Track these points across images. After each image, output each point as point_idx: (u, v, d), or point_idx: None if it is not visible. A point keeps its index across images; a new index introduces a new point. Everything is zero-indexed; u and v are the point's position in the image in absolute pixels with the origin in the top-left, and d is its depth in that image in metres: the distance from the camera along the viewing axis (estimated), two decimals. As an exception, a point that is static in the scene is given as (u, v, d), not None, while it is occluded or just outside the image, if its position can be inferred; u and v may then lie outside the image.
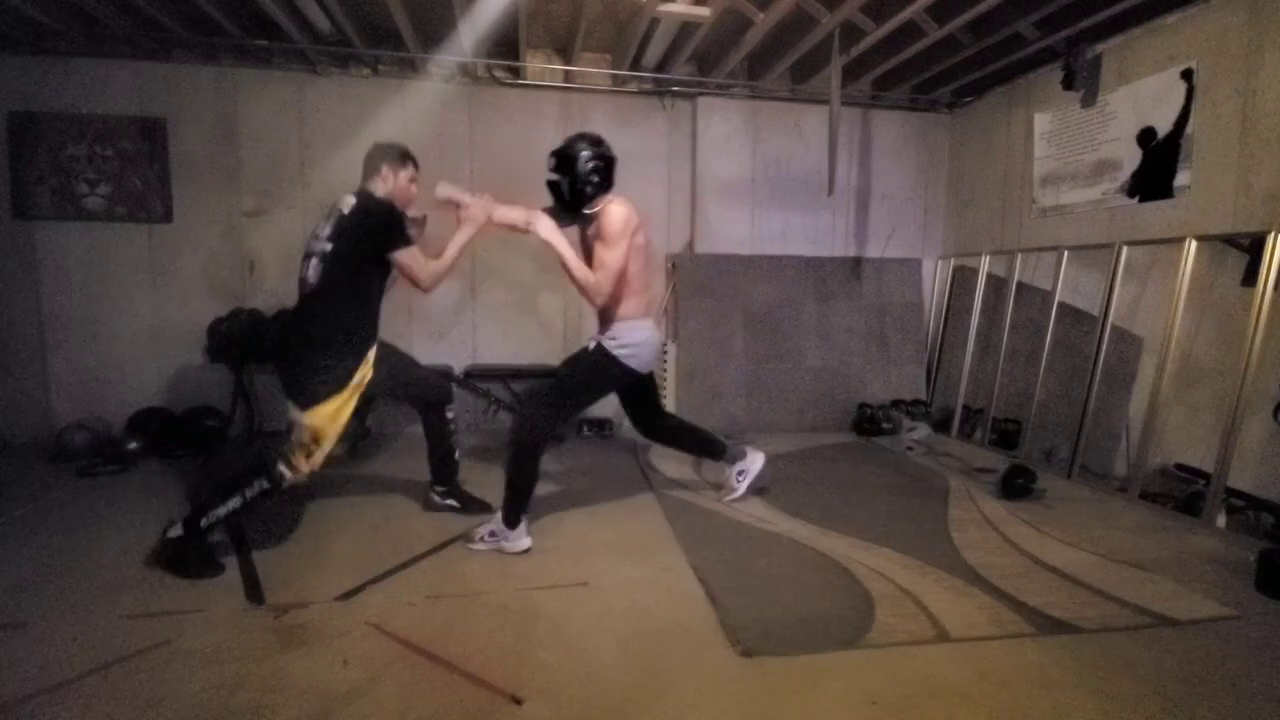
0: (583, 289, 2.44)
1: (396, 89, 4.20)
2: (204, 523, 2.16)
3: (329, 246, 2.31)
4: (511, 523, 2.42)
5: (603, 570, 2.29)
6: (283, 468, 2.24)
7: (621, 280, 2.46)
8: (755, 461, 3.01)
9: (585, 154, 2.46)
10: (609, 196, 2.50)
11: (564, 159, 2.49)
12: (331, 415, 2.28)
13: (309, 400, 2.25)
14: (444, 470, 2.82)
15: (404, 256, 2.36)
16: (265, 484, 2.23)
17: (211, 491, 2.28)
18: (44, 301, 3.92)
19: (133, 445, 3.51)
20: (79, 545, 2.43)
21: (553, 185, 2.54)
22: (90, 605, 1.98)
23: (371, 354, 2.40)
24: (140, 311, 4.03)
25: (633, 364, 2.54)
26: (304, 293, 2.36)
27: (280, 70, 4.08)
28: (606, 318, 2.57)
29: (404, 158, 2.53)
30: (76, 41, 3.73)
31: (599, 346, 2.52)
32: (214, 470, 3.09)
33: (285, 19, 3.53)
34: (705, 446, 3.00)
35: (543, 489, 3.21)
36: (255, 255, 4.15)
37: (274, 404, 4.09)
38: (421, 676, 1.66)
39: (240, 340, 3.67)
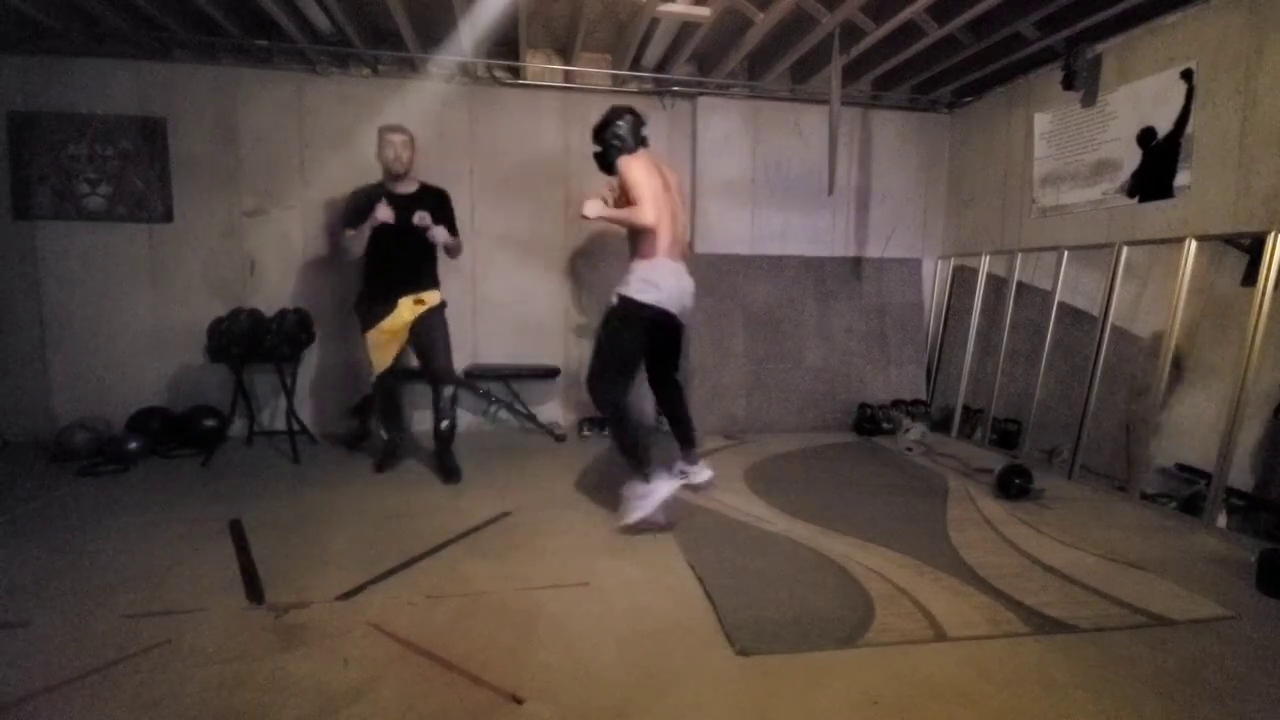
0: (641, 224, 2.72)
1: (396, 89, 4.19)
2: (385, 436, 3.56)
3: None
4: (647, 477, 2.67)
5: (603, 570, 2.29)
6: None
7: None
8: (699, 475, 3.13)
9: (612, 126, 2.91)
10: (628, 156, 2.81)
11: (597, 132, 2.95)
12: (368, 343, 3.36)
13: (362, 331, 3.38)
14: (436, 438, 3.36)
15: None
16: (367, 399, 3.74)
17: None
18: (44, 301, 3.92)
19: (133, 445, 3.51)
20: (79, 545, 2.44)
21: (596, 155, 2.98)
22: (90, 605, 1.98)
23: (395, 309, 3.25)
24: (140, 311, 4.03)
25: (649, 298, 2.71)
26: None
27: (280, 70, 4.08)
28: (632, 257, 2.87)
29: (378, 134, 3.29)
30: (76, 41, 3.73)
31: (618, 297, 2.76)
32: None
33: (285, 19, 3.53)
34: (681, 433, 3.16)
35: (542, 489, 3.22)
36: (255, 255, 4.15)
37: (274, 403, 4.10)
38: (421, 676, 1.66)
39: (240, 340, 3.67)
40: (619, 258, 4.61)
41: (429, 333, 3.28)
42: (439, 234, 3.25)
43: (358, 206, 3.22)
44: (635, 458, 2.73)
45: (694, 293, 2.91)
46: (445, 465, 3.29)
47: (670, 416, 3.17)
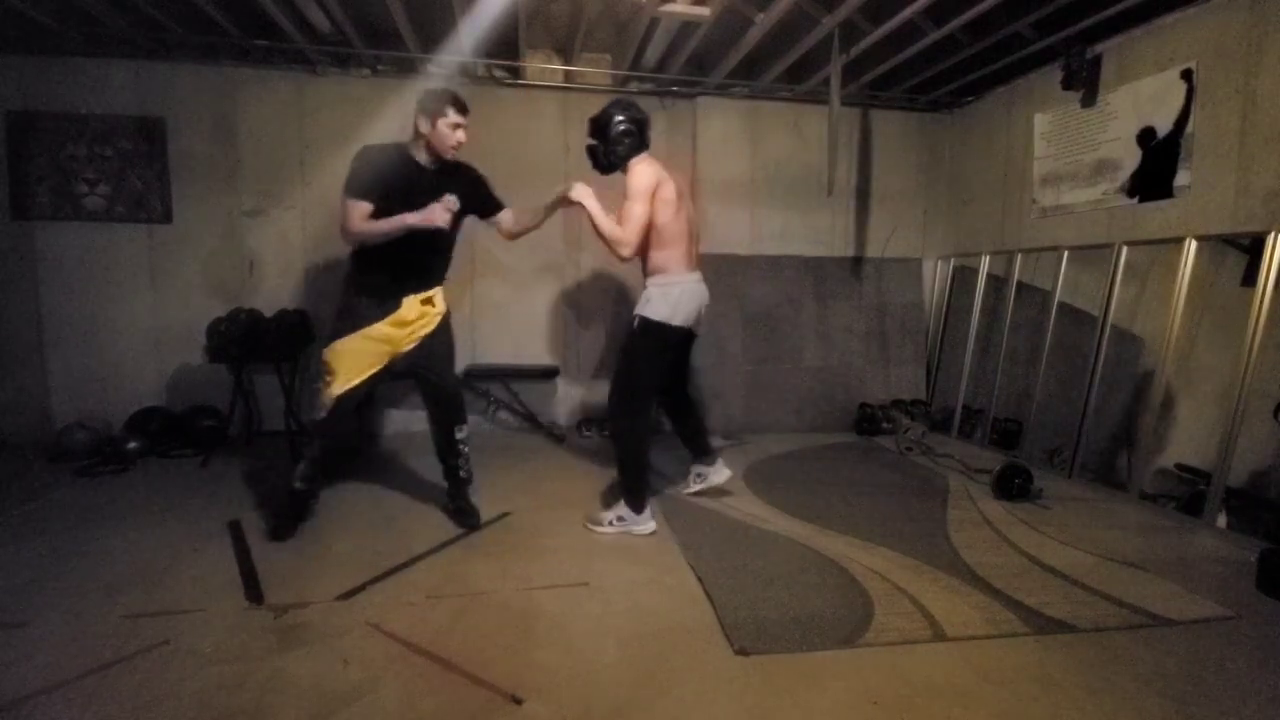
0: (609, 242, 2.56)
1: (396, 89, 4.19)
2: (295, 485, 2.58)
3: None
4: (637, 508, 2.62)
5: (603, 570, 2.29)
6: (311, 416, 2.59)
7: (652, 235, 2.60)
8: (718, 475, 3.04)
9: (617, 119, 2.64)
10: (640, 157, 2.65)
11: (598, 125, 2.68)
12: (339, 351, 2.47)
13: (329, 337, 2.53)
14: (453, 484, 2.80)
15: (343, 204, 2.44)
16: (311, 438, 2.59)
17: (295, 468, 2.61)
18: (43, 301, 3.92)
19: (132, 445, 3.51)
20: (79, 545, 2.43)
21: (590, 150, 2.73)
22: (90, 605, 1.98)
23: (397, 308, 2.51)
24: (140, 311, 4.03)
25: (675, 323, 2.61)
26: None
27: (280, 70, 4.08)
28: (646, 273, 2.70)
29: (440, 103, 2.53)
30: (76, 41, 3.72)
31: (640, 321, 2.61)
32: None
33: (285, 19, 3.53)
34: (696, 440, 3.05)
35: (542, 489, 3.22)
36: (255, 255, 4.15)
37: (273, 404, 4.10)
38: (421, 676, 1.66)
39: (240, 340, 3.67)
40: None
41: (438, 347, 2.65)
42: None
43: (378, 178, 2.46)
44: (635, 484, 2.62)
45: (708, 301, 2.78)
46: (465, 508, 2.75)
47: (682, 431, 3.04)
